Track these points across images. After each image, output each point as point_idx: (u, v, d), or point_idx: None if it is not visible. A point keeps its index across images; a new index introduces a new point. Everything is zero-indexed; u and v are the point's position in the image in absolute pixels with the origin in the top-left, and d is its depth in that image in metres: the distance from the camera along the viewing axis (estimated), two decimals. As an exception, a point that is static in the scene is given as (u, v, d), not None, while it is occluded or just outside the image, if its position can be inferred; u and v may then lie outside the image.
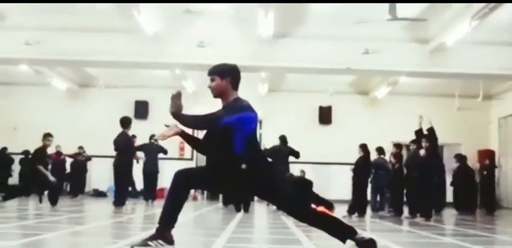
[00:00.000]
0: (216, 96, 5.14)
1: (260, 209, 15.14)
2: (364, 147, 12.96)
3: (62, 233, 6.75)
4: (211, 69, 5.18)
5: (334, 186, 19.08)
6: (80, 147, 19.57)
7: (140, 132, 20.76)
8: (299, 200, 5.01)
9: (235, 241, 6.37)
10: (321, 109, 21.55)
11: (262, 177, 4.94)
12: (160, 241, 4.74)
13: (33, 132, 20.40)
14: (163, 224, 4.84)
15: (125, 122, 12.95)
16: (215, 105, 18.90)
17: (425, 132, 12.68)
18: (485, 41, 14.84)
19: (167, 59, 15.68)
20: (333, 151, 20.37)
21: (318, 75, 18.39)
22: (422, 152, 12.28)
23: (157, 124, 20.55)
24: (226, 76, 5.10)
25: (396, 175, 13.11)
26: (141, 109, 21.70)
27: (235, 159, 4.87)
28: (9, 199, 12.19)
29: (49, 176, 12.21)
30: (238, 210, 12.18)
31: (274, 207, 13.07)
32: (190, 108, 20.27)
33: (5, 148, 19.84)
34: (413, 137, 13.18)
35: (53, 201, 11.99)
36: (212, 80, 5.12)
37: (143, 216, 11.06)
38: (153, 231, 4.92)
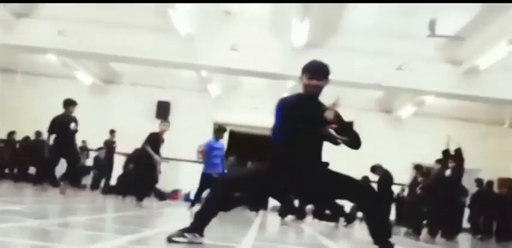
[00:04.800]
0: (316, 96, 4.94)
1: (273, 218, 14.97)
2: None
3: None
4: (327, 70, 4.97)
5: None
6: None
7: (160, 133, 20.82)
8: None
9: (262, 240, 6.26)
10: (343, 124, 21.35)
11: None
12: (196, 234, 4.77)
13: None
14: (199, 221, 4.84)
15: None
16: (238, 111, 18.68)
17: (452, 153, 12.51)
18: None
19: (197, 60, 15.59)
20: (351, 168, 20.12)
21: (343, 88, 18.23)
22: (448, 172, 12.12)
23: (177, 126, 20.71)
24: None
25: (419, 195, 12.93)
26: (163, 110, 21.65)
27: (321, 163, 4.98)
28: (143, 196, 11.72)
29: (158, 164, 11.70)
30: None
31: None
32: (214, 113, 20.11)
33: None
34: (433, 159, 13.10)
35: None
36: (321, 80, 4.92)
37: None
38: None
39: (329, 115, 4.59)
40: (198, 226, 4.80)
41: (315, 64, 4.98)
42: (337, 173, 4.93)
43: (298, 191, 5.28)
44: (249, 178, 4.96)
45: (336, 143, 4.94)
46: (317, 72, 4.92)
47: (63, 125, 11.46)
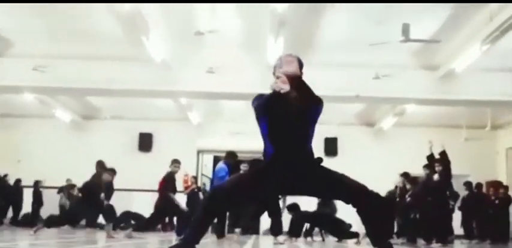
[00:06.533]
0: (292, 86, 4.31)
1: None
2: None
3: None
4: (297, 57, 4.75)
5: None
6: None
7: (144, 165, 20.65)
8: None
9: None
10: (327, 140, 21.33)
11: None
12: None
13: (37, 165, 20.31)
14: (190, 237, 4.55)
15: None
16: (221, 136, 18.47)
17: (437, 156, 12.51)
18: (496, 68, 14.78)
19: (175, 86, 15.51)
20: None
21: (324, 104, 18.22)
22: (436, 177, 12.10)
23: (161, 157, 20.37)
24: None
25: (410, 202, 12.86)
26: (145, 142, 21.52)
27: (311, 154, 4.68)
28: (138, 230, 11.79)
29: (179, 204, 12.01)
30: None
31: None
32: (196, 141, 19.85)
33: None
34: (419, 169, 13.11)
35: (180, 230, 11.43)
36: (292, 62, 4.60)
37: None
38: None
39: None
40: (189, 242, 4.50)
41: (283, 55, 4.86)
42: (331, 171, 4.58)
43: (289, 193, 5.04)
44: (236, 186, 4.61)
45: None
46: (291, 55, 4.76)
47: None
